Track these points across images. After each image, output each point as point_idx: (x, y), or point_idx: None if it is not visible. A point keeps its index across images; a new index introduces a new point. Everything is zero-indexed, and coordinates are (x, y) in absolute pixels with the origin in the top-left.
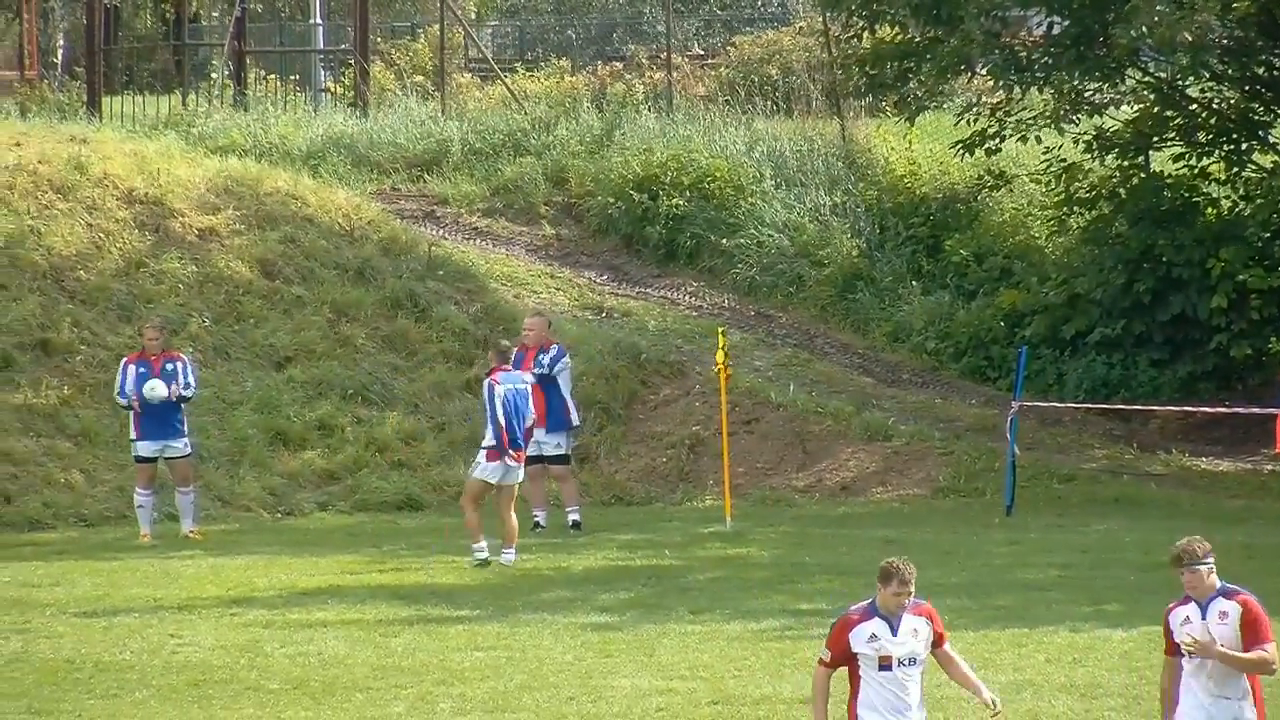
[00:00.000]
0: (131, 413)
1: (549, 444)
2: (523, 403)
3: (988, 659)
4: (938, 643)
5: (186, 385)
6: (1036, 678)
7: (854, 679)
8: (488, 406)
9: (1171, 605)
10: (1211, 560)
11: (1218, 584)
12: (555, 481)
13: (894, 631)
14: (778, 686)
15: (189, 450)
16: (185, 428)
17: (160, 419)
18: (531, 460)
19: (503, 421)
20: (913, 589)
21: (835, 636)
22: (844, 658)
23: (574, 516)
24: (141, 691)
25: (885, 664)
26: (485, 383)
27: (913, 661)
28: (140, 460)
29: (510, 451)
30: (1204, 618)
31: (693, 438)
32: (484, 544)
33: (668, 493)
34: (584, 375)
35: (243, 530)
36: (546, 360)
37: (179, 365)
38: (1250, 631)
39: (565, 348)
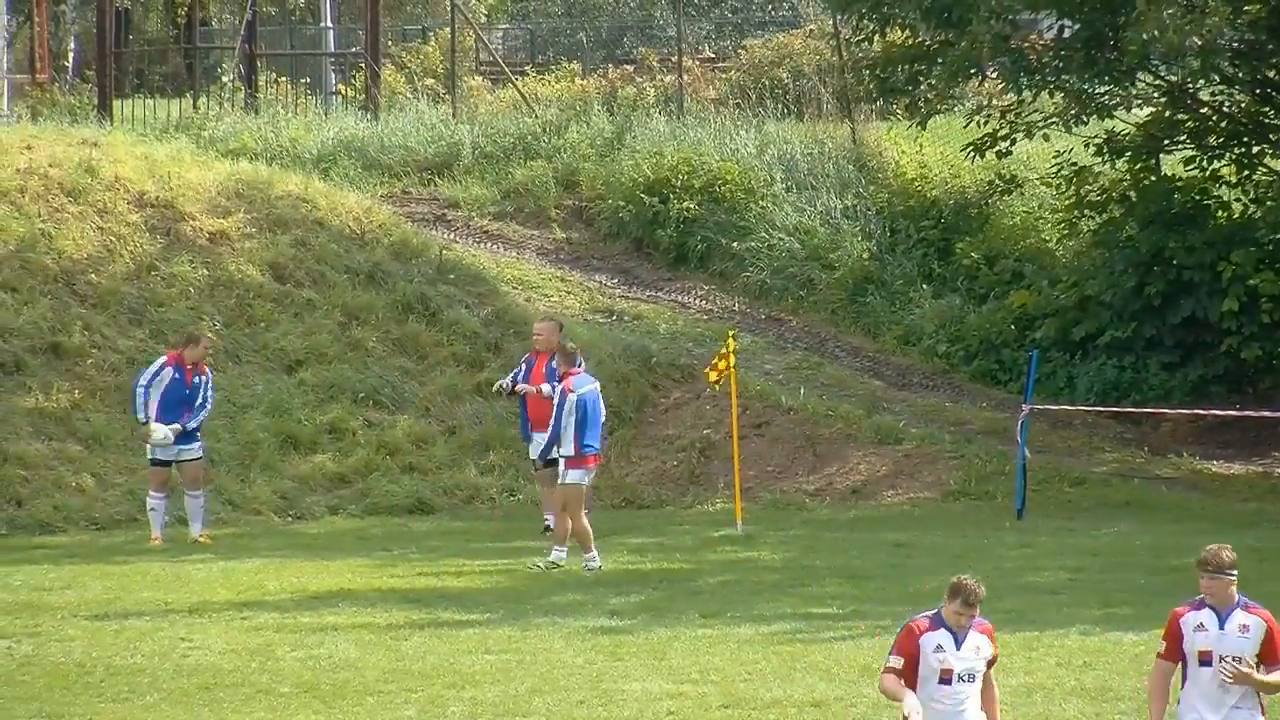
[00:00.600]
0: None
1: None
2: (598, 405)
3: (999, 662)
4: (993, 663)
5: (203, 405)
6: (1047, 681)
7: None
8: (562, 415)
9: (1182, 609)
10: (1236, 572)
11: (1237, 595)
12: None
13: (959, 645)
14: (789, 690)
15: (201, 454)
16: (199, 431)
17: (174, 420)
18: (549, 462)
19: (575, 428)
20: (976, 612)
21: (903, 642)
22: (912, 665)
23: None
24: (152, 695)
25: (946, 678)
26: (558, 390)
27: (971, 678)
28: (154, 463)
29: (593, 455)
30: (1222, 628)
31: (703, 441)
32: (595, 552)
33: (678, 496)
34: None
35: (253, 534)
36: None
37: (204, 380)
38: (1270, 650)
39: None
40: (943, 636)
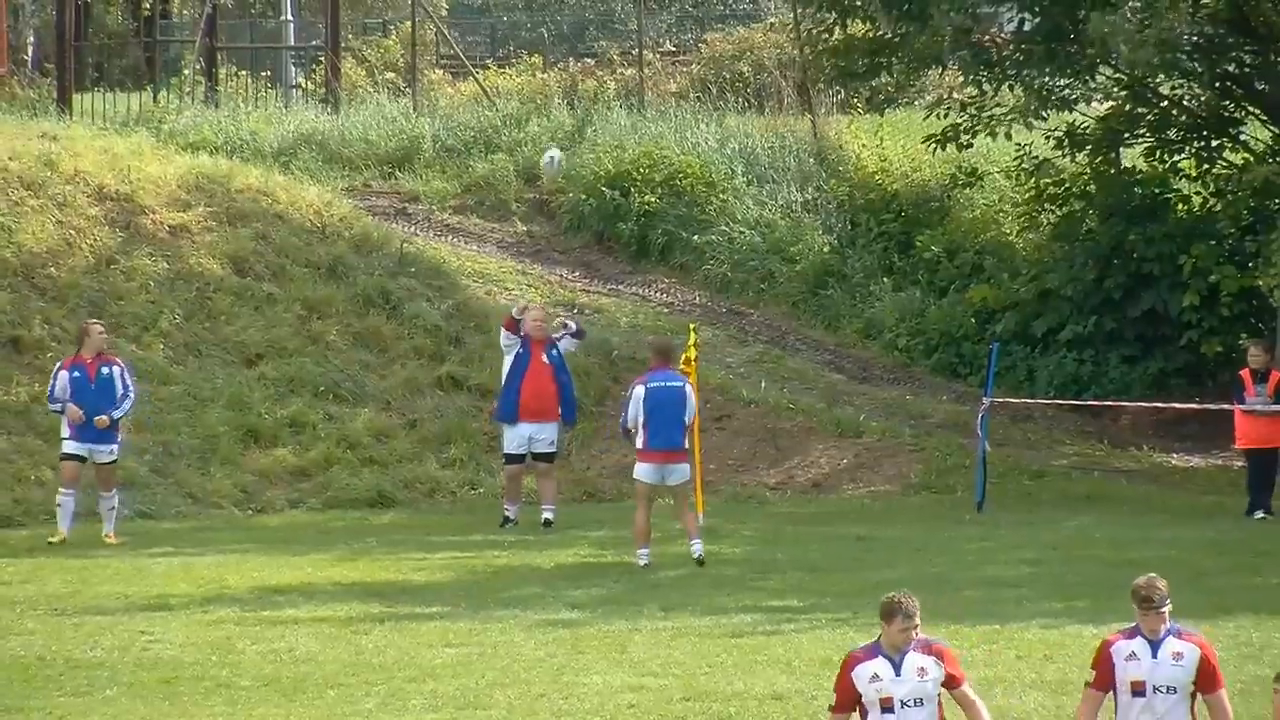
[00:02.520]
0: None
1: (543, 440)
2: (671, 400)
3: (958, 655)
4: (952, 684)
5: (125, 396)
6: (1007, 674)
7: None
8: (633, 412)
9: (1113, 638)
10: (1169, 604)
11: (1169, 623)
12: (540, 478)
13: (897, 671)
14: (749, 683)
15: (115, 456)
16: (118, 433)
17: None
18: (514, 459)
19: (642, 421)
20: (917, 621)
21: (839, 678)
22: (850, 701)
23: (550, 515)
24: (112, 689)
25: (887, 706)
26: (633, 384)
27: (918, 703)
28: (66, 458)
29: (657, 452)
30: (1154, 656)
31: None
32: (646, 550)
33: None
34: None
35: (214, 527)
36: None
37: (115, 370)
38: (1206, 677)
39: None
40: (879, 665)
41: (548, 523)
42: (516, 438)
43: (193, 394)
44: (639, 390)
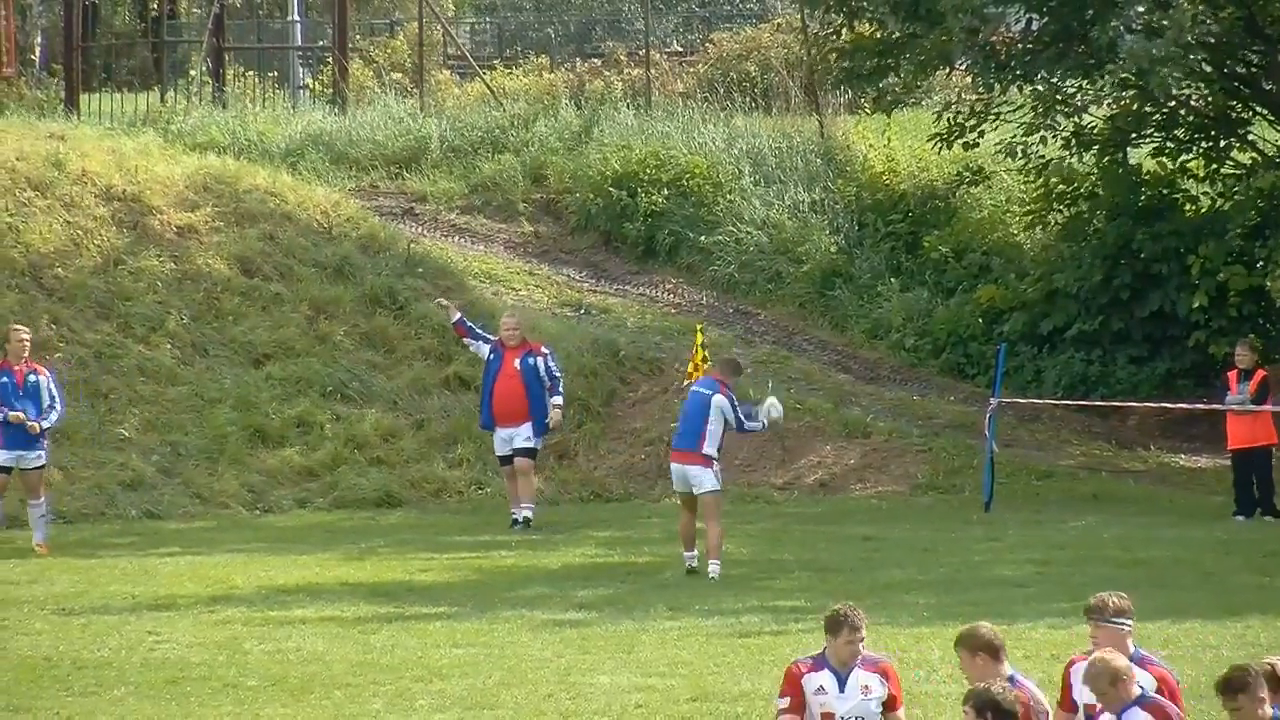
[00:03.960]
0: None
1: (519, 436)
2: (692, 406)
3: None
4: (891, 705)
5: (51, 407)
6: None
7: None
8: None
9: (1076, 657)
10: (1130, 622)
11: (1133, 647)
12: (518, 474)
13: (841, 687)
14: (756, 683)
15: (42, 462)
16: (43, 440)
17: (19, 428)
18: (505, 460)
19: (677, 425)
20: (863, 635)
21: (789, 685)
22: (802, 705)
23: (528, 512)
24: (120, 689)
25: None
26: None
27: None
28: None
29: (672, 452)
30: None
31: (670, 434)
32: (694, 552)
33: (646, 489)
34: (562, 371)
35: (221, 527)
36: (555, 367)
37: (42, 380)
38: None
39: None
40: (824, 678)
41: (526, 521)
42: (499, 441)
43: (200, 394)
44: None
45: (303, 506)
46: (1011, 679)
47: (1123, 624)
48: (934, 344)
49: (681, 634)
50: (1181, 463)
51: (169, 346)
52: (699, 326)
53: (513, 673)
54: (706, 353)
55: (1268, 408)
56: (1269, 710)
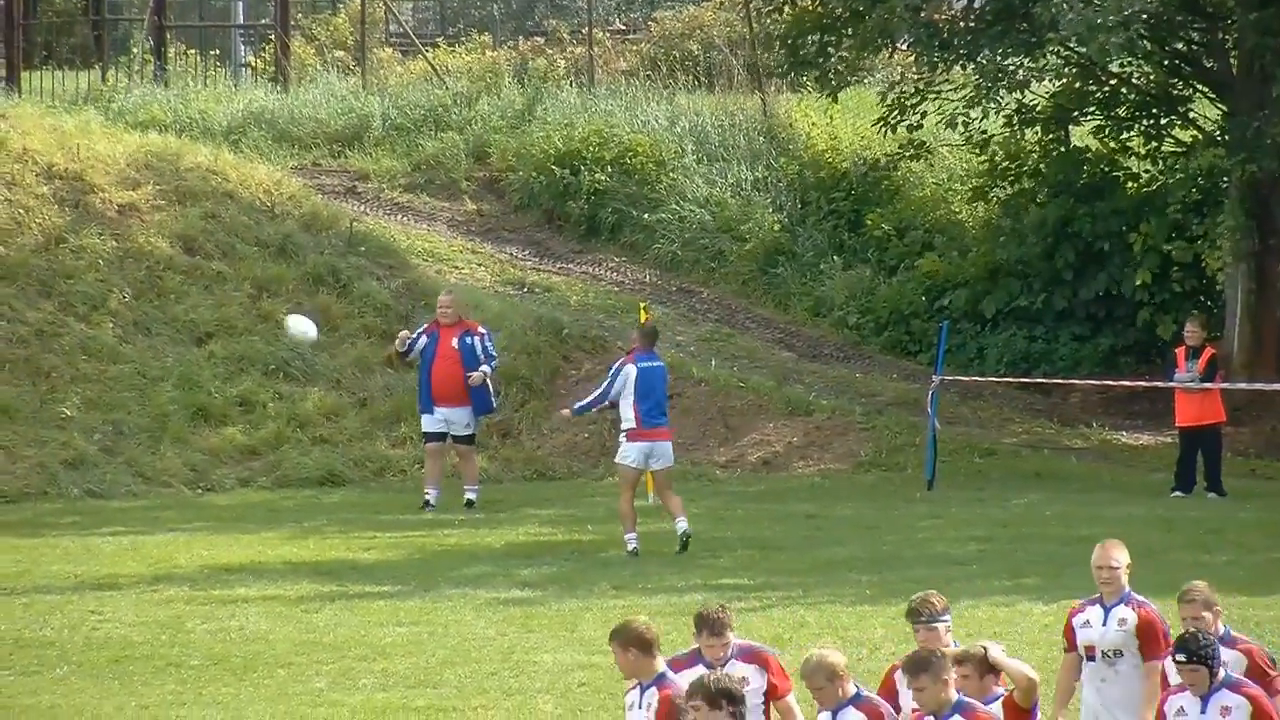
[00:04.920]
0: None
1: (459, 424)
2: (658, 381)
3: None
4: (774, 693)
5: None
6: None
7: None
8: (619, 388)
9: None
10: (949, 617)
11: (952, 642)
12: (459, 460)
13: None
14: None
15: None
16: None
17: None
18: (433, 437)
19: (632, 402)
20: (727, 639)
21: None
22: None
23: (471, 495)
24: (62, 668)
25: None
26: (617, 364)
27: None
28: None
29: (651, 429)
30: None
31: (614, 413)
32: (635, 534)
33: (590, 468)
34: (506, 350)
35: (163, 506)
36: (491, 347)
37: None
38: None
39: (489, 328)
40: (699, 673)
41: (470, 503)
42: (433, 420)
43: (142, 373)
44: (630, 370)
45: (245, 485)
46: (858, 695)
47: (943, 622)
48: (876, 322)
49: (625, 612)
50: (1124, 440)
51: (111, 325)
52: (642, 305)
53: (456, 651)
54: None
55: (1216, 384)
56: (953, 693)
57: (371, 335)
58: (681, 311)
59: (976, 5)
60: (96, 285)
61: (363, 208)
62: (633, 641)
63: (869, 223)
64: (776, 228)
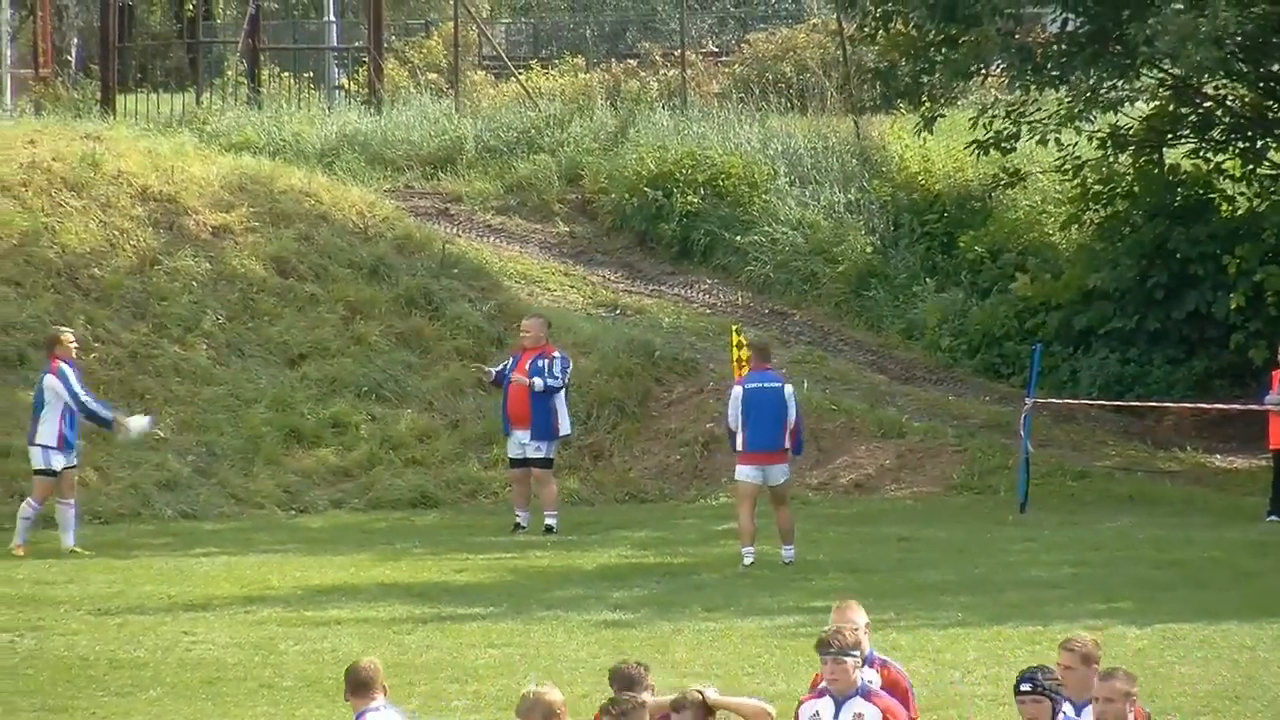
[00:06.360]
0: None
1: (530, 447)
2: (770, 401)
3: (1000, 656)
4: None
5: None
6: None
7: None
8: (731, 412)
9: (805, 697)
10: (858, 653)
11: (859, 680)
12: (536, 484)
13: None
14: (791, 684)
15: (75, 462)
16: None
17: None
18: (515, 462)
19: (741, 422)
20: (641, 699)
21: None
22: None
23: (550, 520)
24: (155, 689)
25: None
26: (733, 387)
27: None
28: (49, 474)
29: (758, 453)
30: (836, 718)
31: (706, 435)
32: (752, 549)
33: (681, 490)
34: (598, 373)
35: (256, 527)
36: (559, 372)
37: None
38: None
39: (568, 356)
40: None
41: (549, 528)
42: (513, 444)
43: (236, 394)
44: (737, 391)
45: (338, 507)
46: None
47: (852, 657)
48: (969, 344)
49: (717, 635)
50: (1217, 463)
51: (204, 347)
52: (735, 327)
53: (548, 674)
54: (746, 352)
55: None
56: None
57: (464, 357)
58: (774, 334)
59: (1069, 28)
60: (190, 307)
61: (455, 230)
62: (622, 682)
63: (962, 245)
64: (869, 250)
